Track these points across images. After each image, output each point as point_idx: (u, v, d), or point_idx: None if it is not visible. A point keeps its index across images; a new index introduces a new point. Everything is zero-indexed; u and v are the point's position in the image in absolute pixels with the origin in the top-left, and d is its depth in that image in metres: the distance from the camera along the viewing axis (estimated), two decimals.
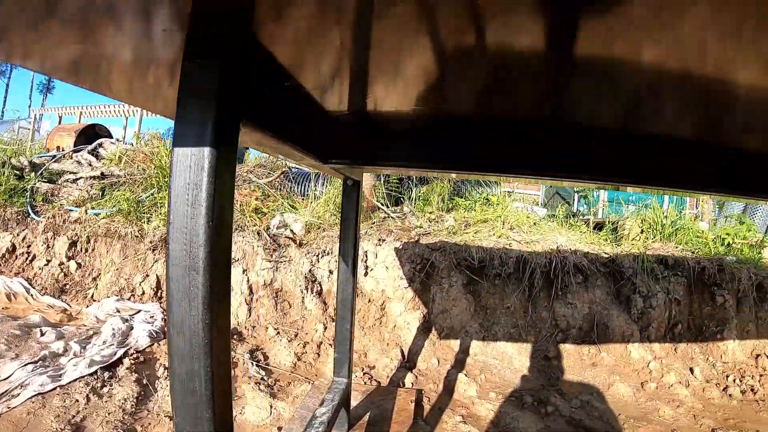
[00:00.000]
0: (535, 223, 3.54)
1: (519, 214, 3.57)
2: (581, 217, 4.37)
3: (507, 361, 3.40)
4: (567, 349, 3.56)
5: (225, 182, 0.75)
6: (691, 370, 3.95)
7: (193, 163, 0.72)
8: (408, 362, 3.35)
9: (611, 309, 3.59)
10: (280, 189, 3.78)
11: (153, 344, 3.24)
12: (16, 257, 4.48)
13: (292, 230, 3.40)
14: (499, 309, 3.38)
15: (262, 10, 0.74)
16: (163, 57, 0.89)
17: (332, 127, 1.64)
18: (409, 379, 3.17)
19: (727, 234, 3.98)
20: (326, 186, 3.77)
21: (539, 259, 3.34)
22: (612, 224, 4.04)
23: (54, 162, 5.16)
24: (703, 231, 4.04)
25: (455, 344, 3.39)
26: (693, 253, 3.86)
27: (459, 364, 3.34)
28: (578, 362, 3.58)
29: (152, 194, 4.42)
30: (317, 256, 3.46)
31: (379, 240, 3.37)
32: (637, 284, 3.62)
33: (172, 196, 0.72)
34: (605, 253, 3.57)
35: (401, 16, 0.75)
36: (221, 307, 0.76)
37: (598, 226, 4.15)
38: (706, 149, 1.68)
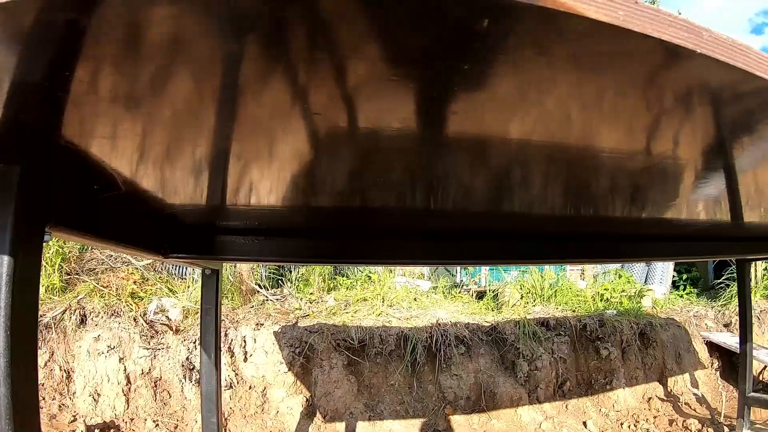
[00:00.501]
0: (415, 298, 3.62)
1: (399, 291, 3.64)
2: (464, 288, 4.54)
3: None
4: (456, 420, 3.57)
5: (26, 289, 0.74)
6: (585, 423, 4.08)
7: None
8: None
9: (497, 376, 3.67)
10: (160, 271, 3.65)
11: None
12: None
13: (167, 316, 3.26)
14: (384, 387, 3.37)
15: (74, 112, 0.72)
16: None
17: (172, 221, 1.55)
18: None
19: (605, 290, 4.24)
20: None
21: (420, 334, 3.38)
22: (493, 292, 4.20)
23: None
24: (581, 290, 4.29)
25: (341, 427, 3.32)
26: (574, 312, 4.06)
27: None
28: None
29: None
30: (194, 343, 3.33)
31: (258, 324, 3.29)
32: (520, 349, 3.74)
33: None
34: (487, 321, 3.68)
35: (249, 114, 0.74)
36: (28, 420, 0.75)
37: (480, 296, 4.31)
38: (574, 220, 1.73)
